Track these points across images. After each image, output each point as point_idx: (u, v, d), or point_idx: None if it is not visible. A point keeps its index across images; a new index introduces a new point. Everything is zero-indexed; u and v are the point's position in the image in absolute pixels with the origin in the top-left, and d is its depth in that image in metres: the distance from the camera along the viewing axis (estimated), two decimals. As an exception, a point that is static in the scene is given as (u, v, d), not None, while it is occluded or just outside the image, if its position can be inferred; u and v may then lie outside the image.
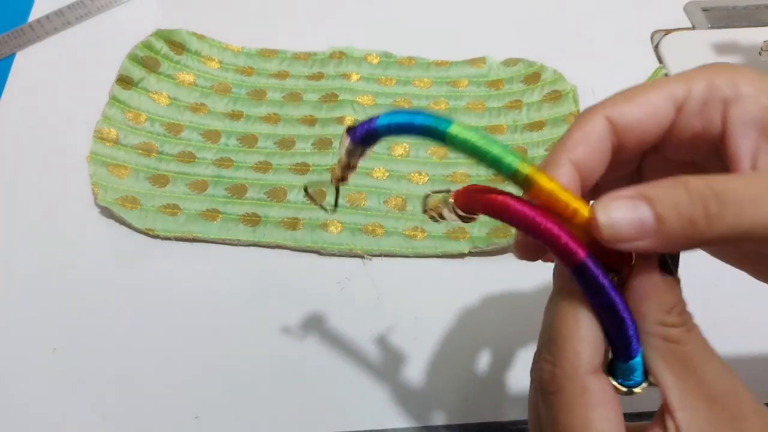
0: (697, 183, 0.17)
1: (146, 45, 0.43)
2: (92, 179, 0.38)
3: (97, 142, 0.39)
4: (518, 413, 0.32)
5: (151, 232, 0.37)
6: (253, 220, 0.38)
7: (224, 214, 0.38)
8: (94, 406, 0.32)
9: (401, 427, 0.31)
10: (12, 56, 0.46)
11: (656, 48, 0.46)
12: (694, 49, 0.46)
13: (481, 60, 0.45)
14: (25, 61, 0.46)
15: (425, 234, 0.37)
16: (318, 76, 0.44)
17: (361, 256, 0.37)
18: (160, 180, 0.39)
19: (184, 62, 0.44)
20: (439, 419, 0.32)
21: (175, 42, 0.44)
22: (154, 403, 0.32)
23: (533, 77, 0.43)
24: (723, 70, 0.19)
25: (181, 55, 0.44)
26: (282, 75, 0.45)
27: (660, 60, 0.45)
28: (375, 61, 0.45)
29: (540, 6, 0.50)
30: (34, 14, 0.49)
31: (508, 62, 0.44)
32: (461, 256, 0.37)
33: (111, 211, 0.37)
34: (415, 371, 0.33)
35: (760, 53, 0.43)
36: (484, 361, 0.34)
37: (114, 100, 0.41)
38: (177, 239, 0.37)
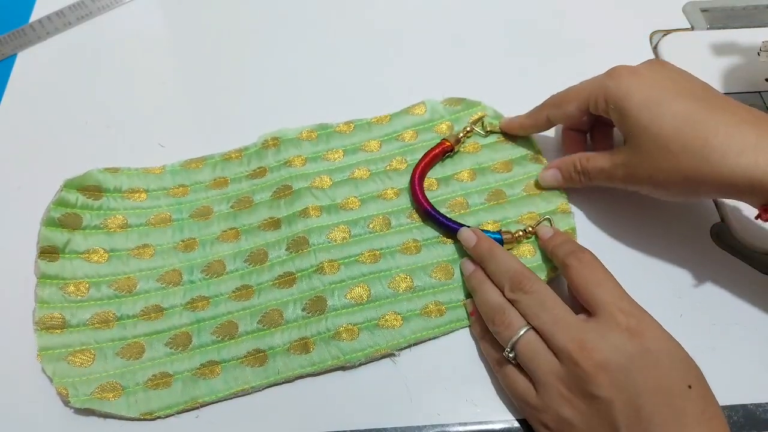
0: (575, 160, 0.37)
1: (59, 203, 0.36)
2: (54, 381, 0.32)
3: (43, 335, 0.33)
4: (519, 413, 0.31)
5: (148, 416, 0.31)
6: (258, 358, 0.33)
7: (223, 363, 0.33)
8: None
9: (401, 426, 0.31)
10: (13, 57, 0.47)
11: (655, 48, 0.46)
12: (693, 49, 0.46)
13: (418, 106, 0.43)
14: (27, 62, 0.47)
15: (444, 308, 0.35)
16: (260, 172, 0.40)
17: (392, 354, 0.33)
18: (133, 350, 0.33)
19: (108, 205, 0.38)
20: (438, 419, 0.31)
21: (89, 187, 0.38)
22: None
23: (478, 120, 0.42)
24: (603, 88, 0.35)
25: (101, 199, 0.38)
26: (220, 183, 0.40)
27: None
28: (313, 136, 0.42)
29: (539, 7, 0.49)
30: (35, 14, 0.49)
31: (451, 101, 0.43)
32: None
33: (92, 410, 0.31)
34: (414, 370, 0.33)
35: (758, 53, 0.44)
36: (484, 361, 0.33)
37: (43, 278, 0.34)
38: (181, 413, 0.32)
